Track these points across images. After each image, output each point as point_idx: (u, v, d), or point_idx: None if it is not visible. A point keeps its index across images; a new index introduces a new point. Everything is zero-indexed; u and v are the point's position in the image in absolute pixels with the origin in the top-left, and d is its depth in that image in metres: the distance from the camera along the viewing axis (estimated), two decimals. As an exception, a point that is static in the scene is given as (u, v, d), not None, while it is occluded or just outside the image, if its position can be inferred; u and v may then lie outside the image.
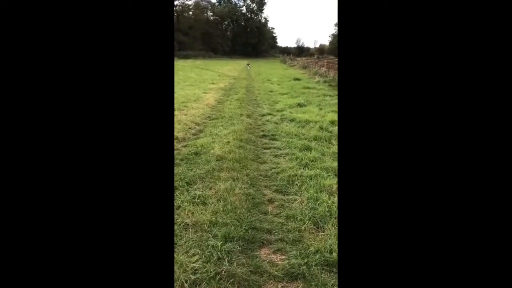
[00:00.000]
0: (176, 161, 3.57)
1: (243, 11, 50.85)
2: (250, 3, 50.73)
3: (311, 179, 3.09)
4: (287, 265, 1.88)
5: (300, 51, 45.50)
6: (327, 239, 2.11)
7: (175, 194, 2.73)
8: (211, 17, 47.90)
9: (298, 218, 2.40)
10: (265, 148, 4.21)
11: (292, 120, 5.61)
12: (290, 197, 2.79)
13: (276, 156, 3.90)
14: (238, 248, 2.02)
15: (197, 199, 2.66)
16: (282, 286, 1.75)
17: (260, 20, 51.48)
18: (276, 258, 1.99)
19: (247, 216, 2.42)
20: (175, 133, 4.48)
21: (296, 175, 3.19)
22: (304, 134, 4.67)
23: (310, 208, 2.54)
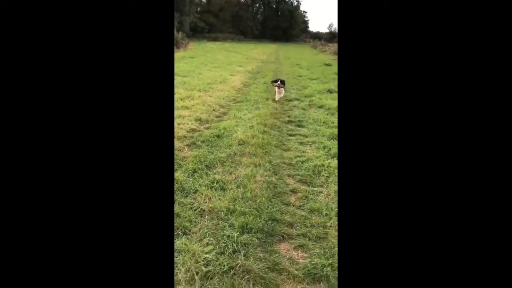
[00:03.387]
0: (198, 143, 3.45)
1: (275, -7, 49.34)
2: (282, -15, 49.06)
3: (340, 170, 2.84)
4: (309, 264, 1.69)
5: (332, 37, 43.55)
6: (356, 239, 1.88)
7: (194, 177, 2.61)
8: (242, -1, 47.02)
9: (324, 213, 2.19)
10: (290, 135, 3.98)
11: (321, 106, 5.29)
12: (316, 188, 2.57)
13: (301, 143, 3.66)
14: (256, 241, 1.85)
15: (216, 183, 2.52)
16: (302, 288, 1.57)
17: (292, 3, 49.81)
18: (297, 255, 1.80)
19: (268, 206, 2.24)
20: (199, 114, 4.37)
21: (323, 166, 2.95)
22: (333, 122, 4.36)
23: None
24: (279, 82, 5.70)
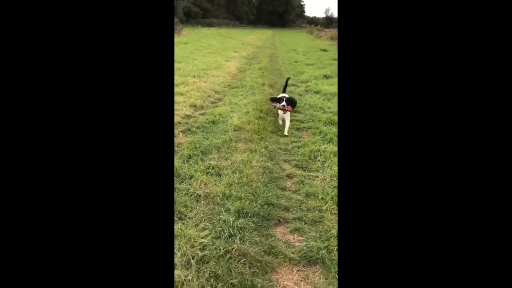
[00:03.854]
0: (193, 129, 3.41)
1: (270, -23, 48.03)
2: (278, -33, 47.70)
3: (335, 155, 2.83)
4: (304, 247, 1.70)
5: (329, 22, 42.84)
6: (351, 222, 1.89)
7: (189, 163, 2.59)
8: (237, -17, 45.75)
9: (319, 197, 2.19)
10: (287, 120, 3.95)
11: (317, 92, 5.24)
12: (311, 173, 2.56)
13: (298, 129, 3.64)
14: (252, 225, 1.85)
15: (211, 169, 2.50)
16: (298, 270, 1.58)
17: (288, -13, 48.64)
18: (293, 238, 1.81)
19: (264, 191, 2.24)
20: (193, 100, 4.30)
21: (319, 151, 2.94)
22: (329, 108, 4.33)
23: (333, 187, 2.31)
24: (283, 102, 3.10)
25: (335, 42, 16.62)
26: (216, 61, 8.00)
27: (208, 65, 7.34)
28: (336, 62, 8.86)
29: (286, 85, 4.16)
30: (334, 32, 22.01)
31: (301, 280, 1.51)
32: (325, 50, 12.17)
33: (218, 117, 3.74)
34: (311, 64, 8.45)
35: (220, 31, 23.08)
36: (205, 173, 2.43)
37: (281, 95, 3.68)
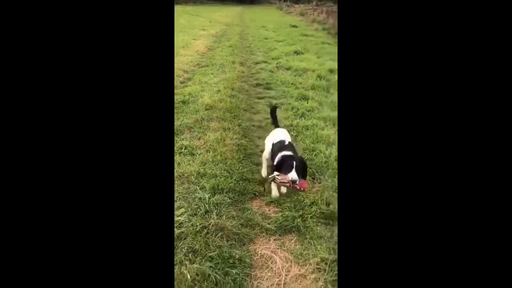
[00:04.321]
0: (162, 110, 3.29)
1: (236, -51, 45.77)
2: None
3: (308, 129, 2.88)
4: (280, 217, 1.75)
5: (298, -3, 42.22)
6: (324, 191, 1.96)
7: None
8: (201, -44, 43.18)
9: (293, 170, 2.24)
10: (259, 98, 3.93)
11: (289, 68, 5.23)
12: (285, 147, 2.60)
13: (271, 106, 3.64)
14: (228, 200, 1.86)
15: (184, 149, 2.45)
16: (274, 239, 1.63)
17: (255, -40, 46.78)
18: (269, 210, 1.85)
19: (238, 167, 2.24)
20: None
21: (292, 126, 2.98)
22: (301, 83, 4.36)
23: (306, 159, 2.37)
24: (293, 174, 1.66)
25: (305, 18, 16.50)
26: (183, 40, 7.66)
27: (175, 44, 7.01)
28: (305, 38, 8.85)
29: (275, 116, 2.41)
30: (303, 7, 21.77)
31: (278, 248, 1.57)
32: (295, 26, 12.06)
33: (188, 97, 3.63)
34: (282, 41, 8.35)
35: (187, 8, 21.96)
36: (177, 154, 2.39)
37: (277, 135, 2.09)
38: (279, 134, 2.10)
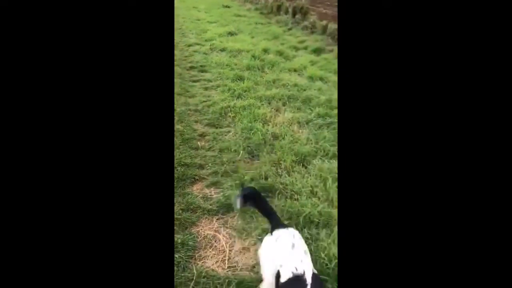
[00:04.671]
0: (86, 101, 2.99)
1: None
2: None
3: (245, 109, 2.91)
4: (222, 197, 1.77)
5: (229, -24, 41.05)
6: (262, 167, 2.03)
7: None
8: None
9: (232, 149, 2.26)
10: (194, 81, 3.81)
11: (223, 49, 5.14)
12: (223, 129, 2.60)
13: (206, 88, 3.57)
14: (167, 188, 1.81)
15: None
16: (217, 219, 1.65)
17: None
18: (210, 192, 1.86)
19: (176, 154, 2.18)
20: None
21: (229, 107, 2.97)
22: (236, 64, 4.33)
23: (245, 138, 2.41)
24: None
25: (237, -2, 16.19)
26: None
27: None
28: (238, 19, 8.75)
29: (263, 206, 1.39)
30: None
31: (221, 227, 1.60)
32: (227, 7, 11.77)
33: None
34: (214, 22, 8.12)
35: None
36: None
37: (284, 254, 1.08)
38: (289, 255, 1.06)
